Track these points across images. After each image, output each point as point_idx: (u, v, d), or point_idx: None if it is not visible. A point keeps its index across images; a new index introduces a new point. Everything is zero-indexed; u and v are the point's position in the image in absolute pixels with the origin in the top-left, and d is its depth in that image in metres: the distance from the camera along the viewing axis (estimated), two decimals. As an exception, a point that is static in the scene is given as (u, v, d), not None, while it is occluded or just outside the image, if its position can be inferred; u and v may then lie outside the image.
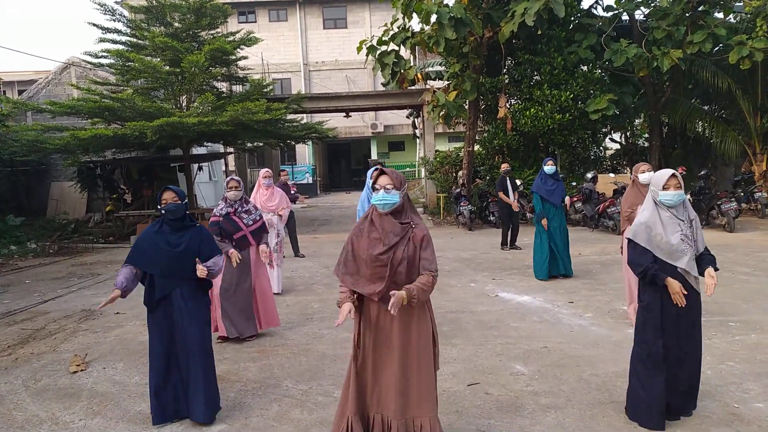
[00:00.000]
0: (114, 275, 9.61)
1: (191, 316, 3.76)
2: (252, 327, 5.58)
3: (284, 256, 7.98)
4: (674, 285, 3.38)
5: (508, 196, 10.46)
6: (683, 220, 3.49)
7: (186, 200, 3.90)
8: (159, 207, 3.80)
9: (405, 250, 2.87)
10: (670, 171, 3.52)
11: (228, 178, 5.63)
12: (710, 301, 6.41)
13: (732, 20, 14.42)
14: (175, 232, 3.78)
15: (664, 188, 3.46)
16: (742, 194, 13.46)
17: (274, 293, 7.58)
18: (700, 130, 15.88)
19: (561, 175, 8.37)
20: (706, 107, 16.44)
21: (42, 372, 4.95)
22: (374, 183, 2.94)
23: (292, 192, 10.12)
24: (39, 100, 15.80)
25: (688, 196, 12.93)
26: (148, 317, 3.83)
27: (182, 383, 3.78)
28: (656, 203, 3.53)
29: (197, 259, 3.75)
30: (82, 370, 4.93)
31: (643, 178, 5.41)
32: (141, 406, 4.12)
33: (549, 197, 7.90)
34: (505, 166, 10.85)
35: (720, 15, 13.84)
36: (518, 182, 11.45)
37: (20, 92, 24.62)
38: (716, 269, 3.50)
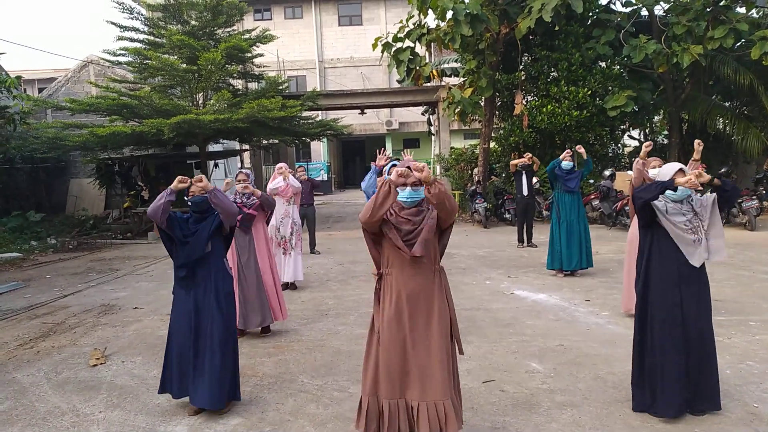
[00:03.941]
0: (132, 270, 9.77)
1: (208, 304, 3.86)
2: (254, 321, 5.49)
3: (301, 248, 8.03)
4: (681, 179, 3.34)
5: (521, 190, 10.42)
6: (688, 211, 3.51)
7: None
8: (186, 198, 3.93)
9: (429, 220, 2.95)
10: (677, 165, 3.50)
11: (237, 171, 5.71)
12: (730, 299, 6.34)
13: (754, 15, 14.14)
14: (197, 224, 3.91)
15: None
16: (764, 192, 13.21)
17: (296, 281, 7.74)
18: (720, 127, 15.60)
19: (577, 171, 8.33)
20: (727, 104, 16.14)
21: (63, 365, 5.04)
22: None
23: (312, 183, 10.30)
24: (58, 98, 16.05)
25: (708, 194, 12.71)
26: (173, 301, 3.96)
27: (194, 367, 3.82)
28: (661, 196, 3.53)
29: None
30: (101, 364, 5.01)
31: (651, 173, 5.41)
32: (159, 399, 4.17)
33: (566, 183, 7.86)
34: (521, 161, 10.80)
35: (742, 10, 13.59)
36: (535, 179, 11.36)
37: (40, 90, 25.02)
38: (722, 183, 3.49)
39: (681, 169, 3.48)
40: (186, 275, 3.87)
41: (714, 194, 3.57)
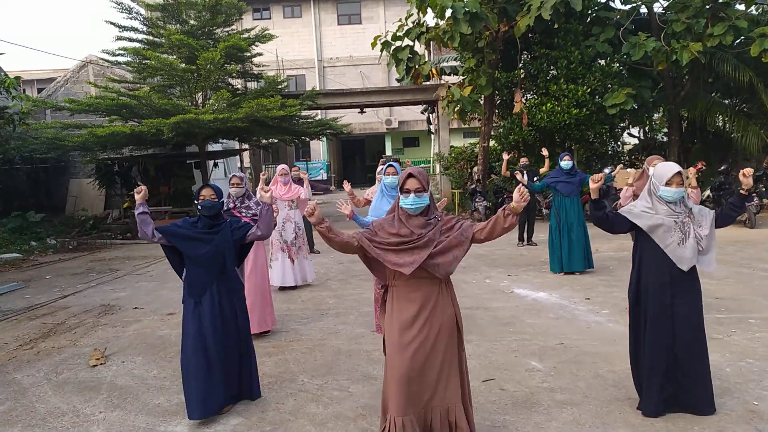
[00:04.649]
0: (132, 271, 9.77)
1: (232, 310, 3.86)
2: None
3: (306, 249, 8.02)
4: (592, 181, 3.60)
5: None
6: (681, 212, 3.47)
7: (222, 198, 3.96)
8: (196, 202, 3.88)
9: (436, 234, 2.89)
10: (675, 167, 3.43)
11: (231, 175, 5.64)
12: (730, 297, 6.34)
13: (754, 12, 14.13)
14: (208, 229, 3.86)
15: (666, 184, 3.41)
16: (764, 189, 13.20)
17: (307, 283, 7.78)
18: (720, 124, 15.58)
19: (578, 170, 8.32)
20: (726, 101, 16.13)
21: (63, 365, 5.04)
22: (403, 186, 2.93)
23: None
24: (58, 98, 16.04)
25: (708, 192, 12.70)
26: (183, 312, 3.89)
27: (222, 377, 3.81)
28: (654, 195, 3.50)
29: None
30: (101, 364, 5.01)
31: (651, 172, 5.40)
32: (159, 399, 4.18)
33: (563, 189, 7.89)
34: (523, 161, 10.80)
35: (741, 7, 13.57)
36: (535, 178, 11.33)
37: (39, 90, 25.00)
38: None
39: (679, 172, 3.41)
40: (197, 283, 3.80)
41: (713, 211, 3.56)
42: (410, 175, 2.93)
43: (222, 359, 3.79)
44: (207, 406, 3.72)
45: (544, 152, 8.89)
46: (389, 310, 3.02)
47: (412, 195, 2.89)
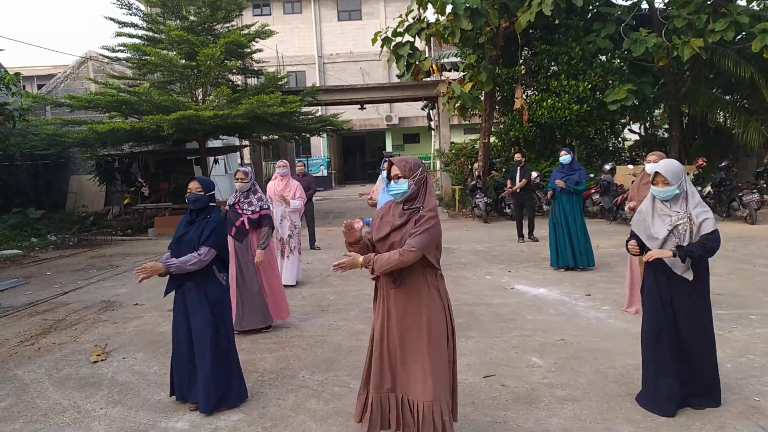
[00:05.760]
0: (132, 267, 9.76)
1: (195, 310, 3.81)
2: (255, 321, 5.51)
3: (300, 249, 8.02)
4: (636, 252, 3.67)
5: (515, 185, 10.43)
6: (678, 212, 3.50)
7: (211, 192, 3.93)
8: (186, 195, 3.92)
9: (406, 232, 2.87)
10: (656, 167, 3.57)
11: (236, 170, 5.66)
12: (731, 293, 6.34)
13: (755, 7, 14.09)
14: (190, 224, 3.88)
15: (653, 183, 3.56)
16: (765, 185, 13.19)
17: (292, 285, 7.67)
18: (721, 120, 15.57)
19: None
20: (727, 97, 16.11)
21: (64, 362, 5.05)
22: (388, 174, 3.01)
23: (311, 187, 10.27)
24: (57, 95, 16.00)
25: (709, 188, 12.68)
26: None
27: (192, 371, 3.87)
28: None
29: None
30: (102, 360, 5.02)
31: (647, 168, 5.50)
32: (160, 395, 4.18)
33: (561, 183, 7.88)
34: (517, 156, 10.79)
35: (742, 2, 13.55)
36: (534, 174, 11.31)
37: (39, 87, 24.98)
38: (683, 255, 3.39)
39: (657, 173, 3.49)
40: (171, 278, 3.83)
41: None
42: (390, 163, 2.99)
43: (197, 356, 3.80)
44: (182, 391, 3.91)
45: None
46: (377, 297, 3.08)
47: (392, 182, 2.96)
